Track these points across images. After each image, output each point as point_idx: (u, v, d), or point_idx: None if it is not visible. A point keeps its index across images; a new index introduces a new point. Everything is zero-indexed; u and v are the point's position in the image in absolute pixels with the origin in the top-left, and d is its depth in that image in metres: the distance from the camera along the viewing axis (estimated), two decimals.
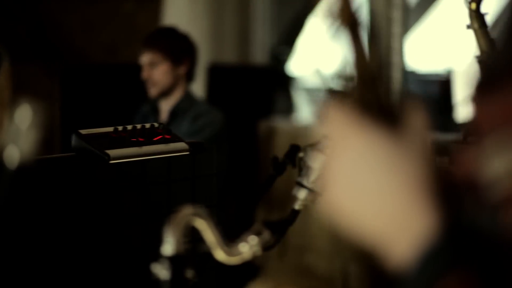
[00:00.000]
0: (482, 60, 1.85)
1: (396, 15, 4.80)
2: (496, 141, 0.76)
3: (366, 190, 0.81)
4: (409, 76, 5.40)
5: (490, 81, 0.81)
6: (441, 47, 6.37)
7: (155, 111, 4.25)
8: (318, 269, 4.76)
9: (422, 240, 0.77)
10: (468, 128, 0.83)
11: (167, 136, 1.99)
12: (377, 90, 0.83)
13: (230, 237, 1.49)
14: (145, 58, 4.10)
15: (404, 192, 0.79)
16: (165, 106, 4.20)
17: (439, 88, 6.18)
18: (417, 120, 0.83)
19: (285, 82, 5.81)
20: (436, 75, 6.46)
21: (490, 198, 0.76)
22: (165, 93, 4.14)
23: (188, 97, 4.17)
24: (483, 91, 0.81)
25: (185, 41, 4.18)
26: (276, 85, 5.68)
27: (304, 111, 5.98)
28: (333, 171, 0.84)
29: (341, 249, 4.63)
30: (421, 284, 0.76)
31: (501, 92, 0.78)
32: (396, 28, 4.79)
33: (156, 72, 4.09)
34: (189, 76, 4.20)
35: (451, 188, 0.80)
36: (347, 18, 0.84)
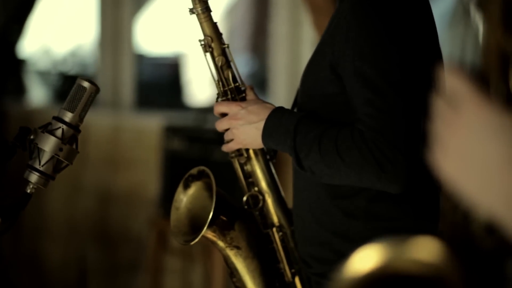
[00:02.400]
0: (206, 44, 1.90)
1: None
2: None
3: (480, 161, 0.81)
4: (139, 59, 5.44)
5: None
6: (170, 29, 6.47)
7: None
8: (53, 254, 4.70)
9: None
10: None
11: None
12: (507, 71, 0.83)
13: None
14: None
15: None
16: None
17: (169, 70, 6.28)
18: None
19: (15, 63, 5.63)
20: (166, 58, 6.56)
21: None
22: None
23: None
24: None
25: None
26: (5, 66, 5.50)
27: (36, 93, 5.84)
28: (450, 140, 0.83)
29: (78, 232, 4.61)
30: None
31: None
32: (126, 10, 4.81)
33: None
34: None
35: None
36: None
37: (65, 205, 4.64)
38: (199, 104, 6.23)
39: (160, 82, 6.03)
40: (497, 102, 0.82)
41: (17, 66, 5.65)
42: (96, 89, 1.73)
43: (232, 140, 1.88)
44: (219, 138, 1.95)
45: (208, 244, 1.94)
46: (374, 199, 1.79)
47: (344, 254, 1.80)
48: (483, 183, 0.81)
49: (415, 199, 1.81)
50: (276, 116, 1.82)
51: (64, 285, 4.66)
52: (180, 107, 5.83)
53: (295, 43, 4.17)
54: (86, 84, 1.72)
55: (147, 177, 4.33)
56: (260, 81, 5.97)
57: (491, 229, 0.82)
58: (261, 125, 1.83)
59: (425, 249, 0.83)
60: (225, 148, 1.91)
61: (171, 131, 3.94)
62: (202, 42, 1.90)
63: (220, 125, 1.89)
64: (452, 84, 0.84)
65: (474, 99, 0.82)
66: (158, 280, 4.00)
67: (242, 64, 7.35)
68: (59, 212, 4.66)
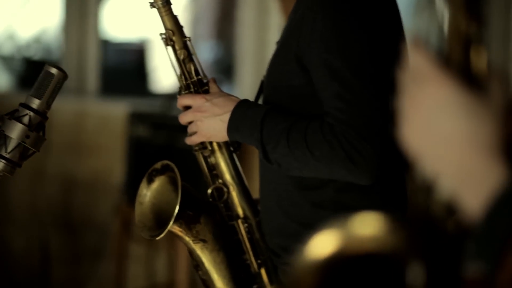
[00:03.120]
0: (168, 38, 1.89)
1: None
2: None
3: (440, 136, 0.82)
4: (105, 45, 5.39)
5: None
6: (136, 15, 6.43)
7: None
8: (16, 241, 4.66)
9: (492, 192, 0.79)
10: None
11: None
12: (469, 53, 0.84)
13: None
14: None
15: (478, 144, 0.81)
16: None
17: (134, 56, 6.24)
18: (499, 91, 0.84)
19: None
20: (130, 44, 6.51)
21: None
22: None
23: None
24: None
25: None
26: None
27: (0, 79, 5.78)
28: (413, 114, 0.84)
29: (41, 219, 4.57)
30: (492, 236, 0.77)
31: None
32: None
33: None
34: None
35: None
36: None
37: (28, 191, 4.60)
38: (165, 91, 6.20)
39: (126, 68, 5.98)
40: (460, 81, 0.83)
41: None
42: (64, 76, 1.72)
43: (195, 133, 1.87)
44: (184, 125, 1.94)
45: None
46: (342, 190, 1.80)
47: None
48: (443, 159, 0.83)
49: (383, 188, 1.82)
50: (242, 109, 1.81)
51: (27, 271, 4.63)
52: (145, 94, 5.80)
53: (262, 29, 4.16)
54: (54, 70, 1.71)
55: (112, 163, 4.31)
56: (226, 68, 5.95)
57: (452, 210, 0.84)
58: (226, 117, 1.82)
59: (370, 225, 0.85)
60: (189, 141, 1.89)
61: (136, 117, 3.92)
62: (164, 36, 1.90)
63: (184, 118, 1.87)
64: (416, 60, 0.85)
65: (437, 76, 0.84)
66: (122, 267, 3.99)
67: (207, 51, 7.33)
68: (22, 198, 4.62)
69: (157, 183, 1.92)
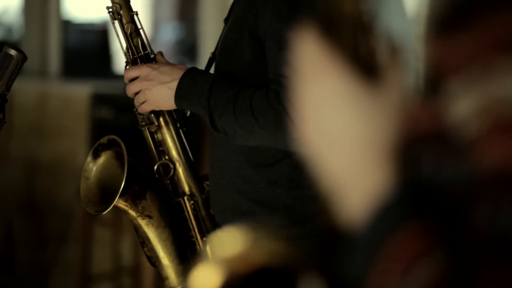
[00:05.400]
0: (115, 11, 1.88)
1: None
2: (463, 80, 0.72)
3: (330, 129, 0.76)
4: (67, 25, 5.34)
5: (454, 18, 0.74)
6: None
7: None
8: None
9: (376, 195, 0.73)
10: (427, 72, 0.77)
11: None
12: (361, 39, 0.77)
13: None
14: None
15: (367, 142, 0.75)
16: None
17: (97, 37, 6.19)
18: (396, 79, 0.77)
19: None
20: (93, 25, 6.46)
21: (458, 142, 0.72)
22: None
23: None
24: (445, 29, 0.75)
25: None
26: None
27: None
28: (307, 108, 0.79)
29: (4, 203, 4.53)
30: (373, 240, 0.72)
31: (466, 28, 0.72)
32: None
33: None
34: None
35: (414, 141, 0.76)
36: None
37: None
38: None
39: (88, 49, 5.93)
40: (352, 71, 0.77)
41: None
42: (23, 57, 1.70)
43: (144, 102, 1.84)
44: (132, 97, 1.92)
45: None
46: (297, 167, 1.79)
47: (266, 223, 1.80)
48: (332, 160, 0.77)
49: None
50: (190, 76, 1.79)
51: None
52: (109, 75, 5.76)
53: (225, 10, 4.13)
54: (13, 52, 1.69)
55: (75, 146, 4.27)
56: (189, 49, 5.92)
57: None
58: (174, 85, 1.80)
59: (232, 242, 0.78)
60: (140, 109, 1.86)
61: (99, 99, 3.88)
62: (110, 10, 1.88)
63: (132, 88, 1.85)
64: (307, 49, 0.79)
65: (328, 67, 0.77)
66: (88, 251, 3.97)
67: (169, 32, 7.28)
68: None
69: (104, 158, 1.91)
